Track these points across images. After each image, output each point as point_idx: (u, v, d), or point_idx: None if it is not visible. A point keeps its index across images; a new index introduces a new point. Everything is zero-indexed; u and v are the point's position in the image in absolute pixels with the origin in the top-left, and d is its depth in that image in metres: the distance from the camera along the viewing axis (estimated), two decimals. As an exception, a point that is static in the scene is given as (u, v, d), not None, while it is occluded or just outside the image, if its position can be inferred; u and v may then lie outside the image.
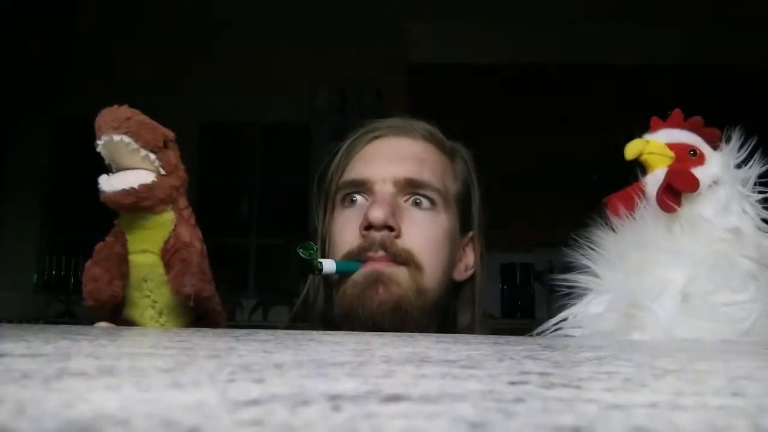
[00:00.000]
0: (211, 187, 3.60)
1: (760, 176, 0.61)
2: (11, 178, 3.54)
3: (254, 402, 0.15)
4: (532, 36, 3.20)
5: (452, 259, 0.76)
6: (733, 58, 3.12)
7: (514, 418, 0.14)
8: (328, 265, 0.70)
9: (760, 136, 0.62)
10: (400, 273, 0.69)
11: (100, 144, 0.55)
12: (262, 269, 3.59)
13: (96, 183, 0.57)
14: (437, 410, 0.15)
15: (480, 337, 0.51)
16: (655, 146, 0.60)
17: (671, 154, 0.60)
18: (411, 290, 0.69)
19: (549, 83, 3.17)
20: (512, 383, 0.20)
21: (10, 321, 2.44)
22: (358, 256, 0.70)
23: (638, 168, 0.61)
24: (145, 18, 3.26)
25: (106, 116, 0.56)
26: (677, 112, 0.63)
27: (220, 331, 0.45)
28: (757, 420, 0.15)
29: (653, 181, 0.59)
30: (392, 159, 0.75)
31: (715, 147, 0.62)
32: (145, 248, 0.59)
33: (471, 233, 0.79)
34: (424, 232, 0.72)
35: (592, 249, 0.60)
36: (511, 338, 0.59)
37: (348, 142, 0.79)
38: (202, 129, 3.59)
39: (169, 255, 0.59)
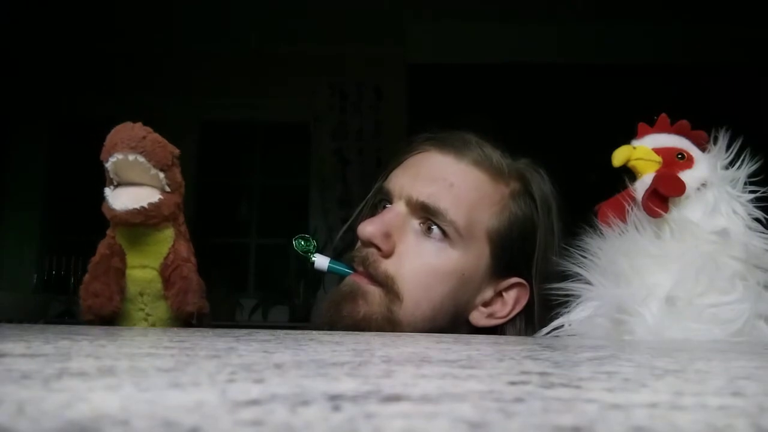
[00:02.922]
0: (211, 187, 3.60)
1: (753, 174, 0.61)
2: (11, 179, 3.54)
3: (254, 402, 0.15)
4: (533, 36, 3.20)
5: (460, 300, 0.68)
6: (731, 58, 3.12)
7: (514, 418, 0.14)
8: (321, 263, 0.70)
9: (754, 134, 0.63)
10: (375, 293, 0.66)
11: (112, 161, 0.55)
12: (262, 269, 3.59)
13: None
14: (437, 410, 0.15)
15: (480, 337, 0.51)
16: (643, 152, 0.60)
17: (659, 158, 0.60)
18: (380, 314, 0.66)
19: (549, 83, 3.17)
20: (512, 383, 0.20)
21: (10, 321, 2.44)
22: (351, 264, 0.69)
23: (627, 175, 0.61)
24: (144, 18, 3.26)
25: (122, 134, 0.56)
26: (664, 117, 0.63)
27: (220, 331, 0.45)
28: (757, 420, 0.15)
29: (642, 186, 0.59)
30: (419, 177, 0.69)
31: (703, 149, 0.62)
32: (145, 264, 0.59)
33: (513, 279, 0.70)
34: (417, 262, 0.66)
35: (584, 257, 0.59)
36: (511, 338, 0.59)
37: (406, 146, 0.75)
38: (202, 128, 3.59)
39: (170, 271, 0.59)
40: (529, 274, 0.69)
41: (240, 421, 0.13)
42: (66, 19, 3.23)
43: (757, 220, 0.59)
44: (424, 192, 0.68)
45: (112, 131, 0.57)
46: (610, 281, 0.57)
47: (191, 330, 0.51)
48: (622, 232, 0.59)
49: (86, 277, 0.59)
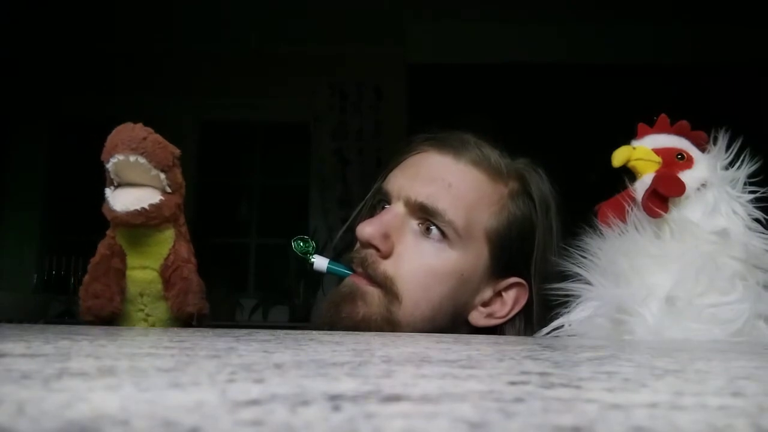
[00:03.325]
0: (211, 187, 3.60)
1: (753, 175, 0.61)
2: (11, 178, 3.54)
3: (254, 402, 0.15)
4: (533, 36, 3.20)
5: (459, 300, 0.68)
6: (731, 57, 3.12)
7: (514, 418, 0.14)
8: (320, 264, 0.70)
9: (754, 134, 0.63)
10: (374, 294, 0.67)
11: (113, 162, 0.55)
12: (262, 269, 3.59)
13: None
14: (437, 410, 0.15)
15: (480, 337, 0.51)
16: (642, 152, 0.60)
17: (658, 159, 0.60)
18: (379, 315, 0.66)
19: (549, 83, 3.17)
20: (512, 383, 0.20)
21: (10, 321, 2.44)
22: (350, 265, 0.69)
23: (626, 175, 0.61)
24: (144, 18, 3.26)
25: (123, 135, 0.56)
26: (663, 117, 0.63)
27: (220, 331, 0.45)
28: (757, 420, 0.15)
29: (642, 187, 0.59)
30: (417, 178, 0.69)
31: (702, 149, 0.62)
32: (146, 264, 0.59)
33: (513, 279, 0.70)
34: (416, 262, 0.66)
35: (584, 257, 0.60)
36: (511, 338, 0.59)
37: (405, 146, 0.75)
38: (202, 128, 3.59)
39: (170, 272, 0.59)
40: (528, 274, 0.69)
41: (240, 421, 0.13)
42: (66, 19, 3.23)
43: (757, 220, 0.59)
44: (422, 192, 0.68)
45: (113, 132, 0.57)
46: (610, 281, 0.58)
47: (191, 330, 0.51)
48: (622, 232, 0.59)
49: (86, 277, 0.59)
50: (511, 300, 0.70)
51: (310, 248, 0.71)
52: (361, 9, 3.13)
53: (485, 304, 0.70)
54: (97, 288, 0.58)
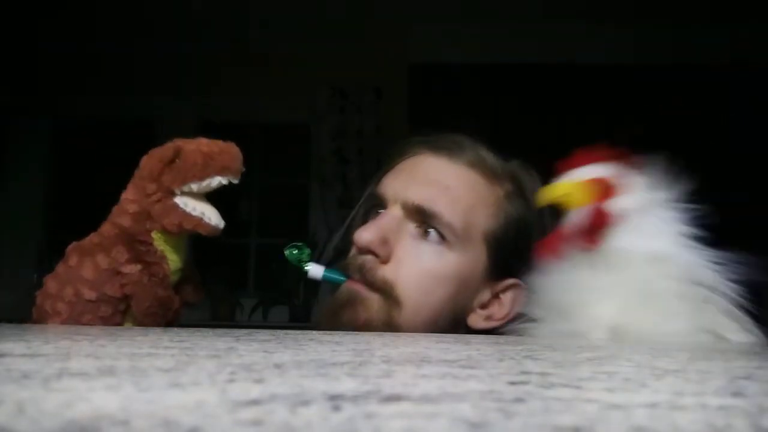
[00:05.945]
0: (211, 186, 3.59)
1: (690, 192, 0.60)
2: (11, 178, 3.54)
3: (254, 402, 0.15)
4: (533, 36, 3.20)
5: (458, 303, 0.68)
6: (731, 57, 3.12)
7: (514, 418, 0.14)
8: (315, 271, 0.69)
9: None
10: (374, 300, 0.66)
11: (219, 180, 0.57)
12: (262, 269, 3.59)
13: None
14: (437, 410, 0.15)
15: (480, 337, 0.51)
16: (566, 188, 0.60)
17: (585, 192, 0.60)
18: (379, 321, 0.65)
19: (549, 83, 3.17)
20: (512, 383, 0.20)
21: (10, 321, 2.44)
22: (346, 272, 0.68)
23: (560, 211, 0.61)
24: (144, 18, 3.26)
25: (236, 161, 0.58)
26: (584, 151, 0.62)
27: (220, 331, 0.45)
28: (757, 420, 0.15)
29: (572, 222, 0.59)
30: (413, 181, 0.69)
31: (634, 174, 0.61)
32: (182, 267, 0.61)
33: (510, 281, 0.69)
34: (416, 266, 0.66)
35: (532, 294, 0.61)
36: (511, 338, 0.59)
37: (398, 150, 0.74)
38: (202, 128, 3.58)
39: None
40: (525, 275, 0.69)
41: (240, 421, 0.13)
42: (66, 19, 3.23)
43: (692, 235, 0.59)
44: (419, 195, 0.67)
45: (220, 151, 0.58)
46: (554, 316, 0.58)
47: (191, 330, 0.51)
48: (560, 268, 0.59)
49: (164, 291, 0.59)
50: (509, 302, 0.69)
51: (304, 256, 0.69)
52: (361, 10, 3.13)
53: (483, 307, 0.69)
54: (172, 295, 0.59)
